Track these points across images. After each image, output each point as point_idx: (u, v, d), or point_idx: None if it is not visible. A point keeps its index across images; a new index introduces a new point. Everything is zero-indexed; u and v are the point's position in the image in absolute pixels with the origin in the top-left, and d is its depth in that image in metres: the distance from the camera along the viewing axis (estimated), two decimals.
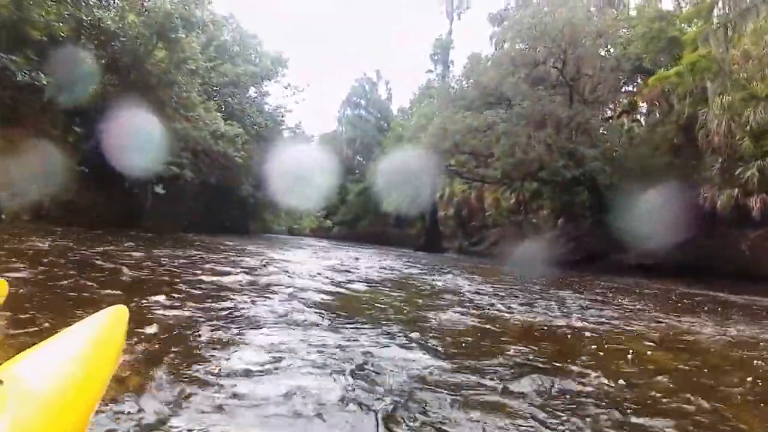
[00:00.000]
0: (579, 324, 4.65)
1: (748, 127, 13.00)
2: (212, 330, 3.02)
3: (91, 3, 12.45)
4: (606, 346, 3.68)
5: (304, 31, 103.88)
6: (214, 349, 2.62)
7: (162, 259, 7.13)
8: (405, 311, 4.76)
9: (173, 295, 4.08)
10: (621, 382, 2.66)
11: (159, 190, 16.14)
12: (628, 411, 2.20)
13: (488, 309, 5.22)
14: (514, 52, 20.51)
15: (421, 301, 5.84)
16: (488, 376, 2.55)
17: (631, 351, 3.57)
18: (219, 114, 18.56)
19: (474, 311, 4.93)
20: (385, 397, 2.11)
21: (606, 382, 2.61)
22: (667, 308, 6.82)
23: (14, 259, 5.15)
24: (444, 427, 1.87)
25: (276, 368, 2.38)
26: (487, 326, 4.21)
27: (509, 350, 3.25)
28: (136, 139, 12.67)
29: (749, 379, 2.96)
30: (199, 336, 2.86)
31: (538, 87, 19.34)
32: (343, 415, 1.88)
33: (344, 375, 2.35)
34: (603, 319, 5.09)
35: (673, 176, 14.33)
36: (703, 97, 14.72)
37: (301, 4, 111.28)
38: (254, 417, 1.79)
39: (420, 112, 31.70)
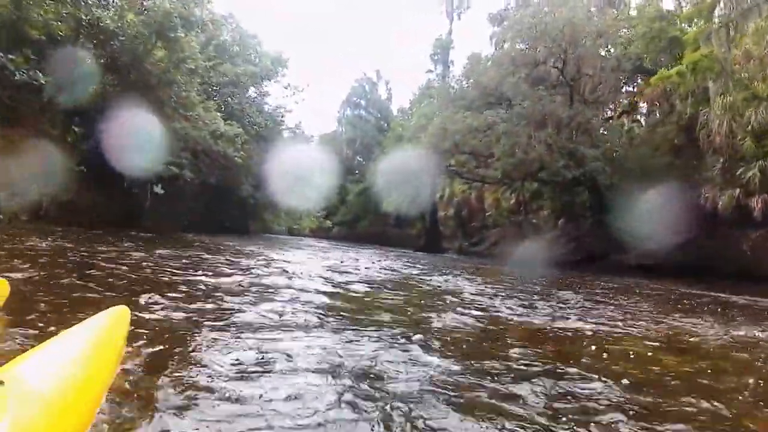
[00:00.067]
0: (580, 325, 4.62)
1: (749, 128, 12.98)
2: (212, 331, 3.01)
3: (90, 2, 12.41)
4: (608, 348, 3.65)
5: (304, 31, 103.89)
6: (214, 351, 2.60)
7: (162, 259, 7.10)
8: (405, 313, 4.73)
9: (173, 296, 4.05)
10: (624, 382, 2.64)
11: (158, 190, 16.11)
12: (632, 413, 2.18)
13: (489, 310, 5.19)
14: (514, 52, 20.51)
15: (421, 302, 5.81)
16: (491, 379, 2.52)
17: (631, 352, 3.56)
18: (219, 114, 18.52)
19: (475, 312, 4.90)
20: (385, 401, 2.09)
21: (609, 384, 2.58)
22: (668, 309, 6.79)
23: (14, 260, 5.12)
24: None
25: (276, 371, 2.36)
26: (489, 328, 4.18)
27: (511, 352, 3.22)
28: (136, 138, 12.63)
29: (752, 380, 2.95)
30: (200, 338, 2.84)
31: (539, 87, 19.34)
32: (344, 419, 1.86)
33: (345, 379, 2.32)
34: (604, 320, 5.06)
35: (673, 176, 14.31)
36: (704, 97, 14.70)
37: (300, 3, 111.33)
38: (255, 420, 1.77)
39: (420, 112, 31.68)
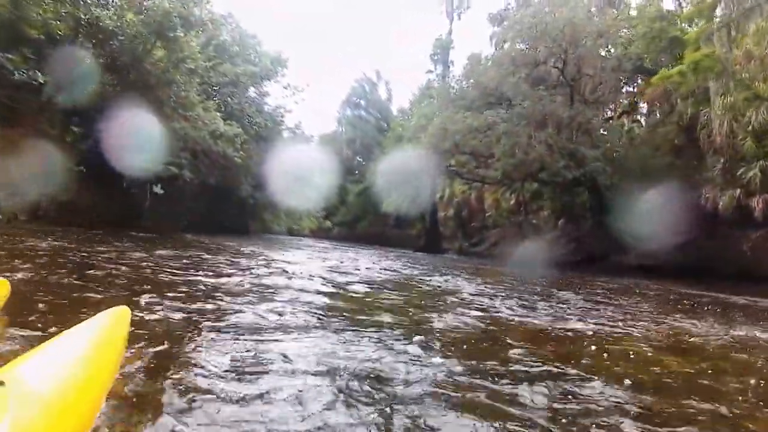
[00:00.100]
0: (581, 326, 4.60)
1: (750, 128, 12.96)
2: (212, 332, 3.00)
3: (89, 2, 12.39)
4: (609, 348, 3.65)
5: (303, 31, 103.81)
6: (214, 352, 2.59)
7: (161, 259, 7.10)
8: (406, 313, 4.70)
9: (173, 296, 4.04)
10: (626, 383, 2.64)
11: (158, 190, 16.06)
12: (633, 414, 2.16)
13: (490, 311, 5.17)
14: (514, 52, 20.48)
15: (421, 303, 5.79)
16: (492, 380, 2.51)
17: (633, 353, 3.56)
18: (218, 114, 18.50)
19: (475, 313, 4.87)
20: (385, 402, 2.07)
21: (610, 385, 2.57)
22: (669, 309, 6.78)
23: (15, 260, 5.12)
24: None
25: (276, 372, 2.35)
26: (489, 329, 4.16)
27: (512, 353, 3.20)
28: (135, 138, 12.61)
29: (753, 381, 2.95)
30: (200, 338, 2.83)
31: (539, 87, 19.32)
32: (344, 422, 1.84)
33: (345, 380, 2.31)
34: (605, 321, 5.04)
35: (674, 177, 14.30)
36: (705, 97, 14.69)
37: (299, 3, 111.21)
38: (254, 422, 1.76)
39: (420, 112, 31.64)
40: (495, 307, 5.48)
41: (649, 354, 3.58)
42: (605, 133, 20.38)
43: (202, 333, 2.95)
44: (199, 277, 5.50)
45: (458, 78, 25.77)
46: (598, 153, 17.86)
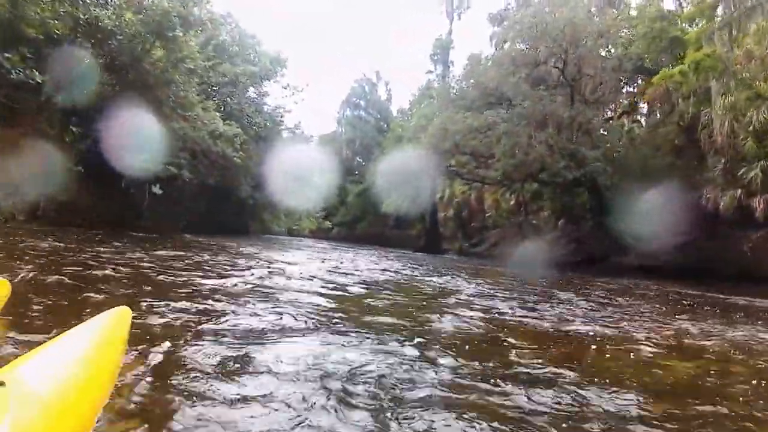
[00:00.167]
0: (583, 328, 4.57)
1: (751, 128, 12.92)
2: (212, 334, 2.98)
3: (88, 1, 12.35)
4: (611, 351, 3.63)
5: (302, 31, 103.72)
6: (214, 353, 2.57)
7: (161, 260, 7.08)
8: (406, 315, 4.67)
9: (173, 297, 4.02)
10: (629, 385, 2.61)
11: (156, 190, 16.02)
12: (637, 418, 2.13)
13: (491, 312, 5.14)
14: (514, 52, 20.45)
15: (422, 304, 5.76)
16: (494, 384, 2.46)
17: (637, 356, 3.54)
18: (217, 114, 18.47)
19: (476, 315, 4.84)
20: (386, 405, 2.04)
21: (613, 389, 2.52)
22: (670, 310, 6.75)
23: (15, 260, 5.14)
24: None
25: (275, 373, 2.32)
26: (491, 331, 4.12)
27: (514, 356, 3.17)
28: (134, 138, 12.57)
29: (755, 382, 2.92)
30: (199, 340, 2.80)
31: (539, 87, 19.30)
32: (345, 424, 1.81)
33: (346, 383, 2.27)
34: (607, 323, 5.00)
35: (674, 177, 14.28)
36: (706, 97, 14.67)
37: (299, 3, 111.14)
38: (253, 424, 1.75)
39: (420, 112, 31.66)
40: (495, 308, 5.44)
41: (651, 356, 3.55)
42: (605, 133, 20.36)
43: (202, 334, 2.94)
44: (198, 278, 5.48)
45: (458, 78, 25.78)
46: (599, 153, 17.83)
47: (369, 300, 5.52)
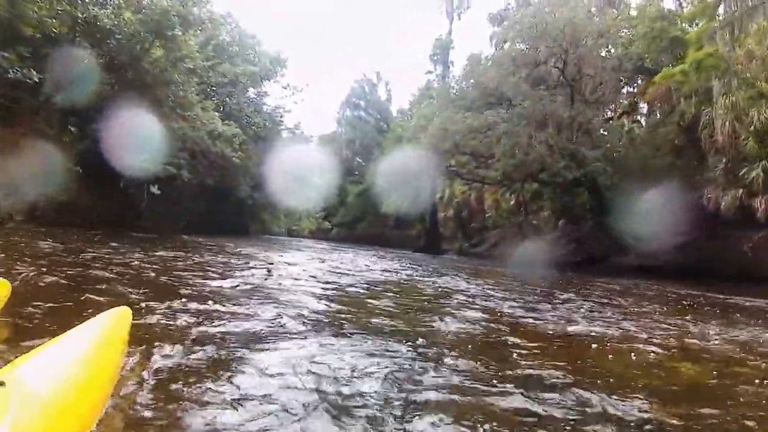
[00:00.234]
0: (584, 328, 4.55)
1: (752, 127, 12.89)
2: (212, 335, 2.97)
3: (87, 0, 12.30)
4: (613, 352, 3.60)
5: (302, 30, 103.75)
6: (214, 353, 2.57)
7: (161, 261, 7.09)
8: (406, 317, 4.65)
9: (172, 297, 3.99)
10: (631, 387, 2.58)
11: (155, 190, 15.98)
12: (640, 421, 2.10)
13: (491, 313, 5.12)
14: (514, 52, 20.41)
15: (422, 305, 5.73)
16: (495, 386, 2.43)
17: (634, 355, 3.53)
18: (217, 114, 18.42)
19: (476, 315, 4.81)
20: (386, 407, 2.00)
21: (615, 391, 2.49)
22: (671, 311, 6.73)
23: (14, 261, 5.11)
24: None
25: (274, 374, 2.31)
26: (491, 332, 4.10)
27: (515, 357, 3.15)
28: (133, 138, 12.54)
29: (757, 382, 2.90)
30: (199, 341, 2.79)
31: (539, 87, 19.27)
32: (345, 427, 1.79)
33: (346, 385, 2.24)
34: (607, 323, 4.97)
35: (674, 177, 14.25)
36: (707, 97, 14.64)
37: (298, 3, 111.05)
38: (251, 426, 1.73)
39: (420, 113, 31.61)
40: (496, 309, 5.42)
41: (654, 358, 3.52)
42: (605, 133, 20.33)
43: (202, 335, 2.92)
44: (198, 279, 5.48)
45: (458, 78, 25.70)
46: (599, 153, 17.80)
47: (369, 301, 5.50)
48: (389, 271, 10.19)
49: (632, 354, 3.52)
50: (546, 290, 8.67)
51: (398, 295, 6.35)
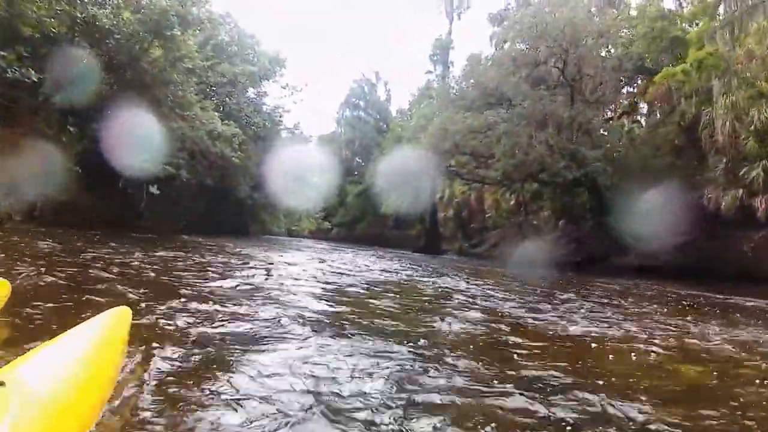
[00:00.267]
0: (584, 329, 4.54)
1: (752, 127, 12.89)
2: (210, 336, 2.96)
3: (86, 0, 12.28)
4: (614, 353, 3.60)
5: (301, 30, 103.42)
6: (214, 353, 2.57)
7: (160, 261, 7.08)
8: (406, 317, 4.65)
9: (172, 298, 3.99)
10: (633, 389, 2.57)
11: (154, 190, 15.93)
12: (642, 423, 2.09)
13: (492, 314, 5.11)
14: (514, 52, 20.41)
15: (422, 305, 5.73)
16: (496, 388, 2.43)
17: (635, 356, 3.52)
18: (216, 114, 18.38)
19: (477, 316, 4.80)
20: (386, 409, 2.00)
21: (616, 392, 2.49)
22: (671, 311, 6.72)
23: (14, 261, 5.11)
24: None
25: (272, 375, 2.30)
26: (492, 333, 4.09)
27: (516, 358, 3.14)
28: (132, 138, 12.50)
29: (759, 381, 2.90)
30: (198, 342, 2.78)
31: (539, 87, 19.26)
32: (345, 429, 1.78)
33: (345, 391, 2.22)
34: (608, 324, 4.96)
35: (674, 177, 14.24)
36: (707, 97, 14.63)
37: (298, 3, 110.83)
38: (250, 427, 1.73)
39: (419, 113, 31.58)
40: (497, 309, 5.41)
41: (655, 358, 3.51)
42: (605, 133, 20.33)
43: (201, 335, 2.92)
44: (198, 279, 5.48)
45: (458, 78, 25.69)
46: (599, 153, 17.79)
47: (369, 301, 5.49)
48: (389, 271, 10.18)
49: (632, 354, 3.52)
50: (546, 290, 8.66)
51: (398, 296, 6.34)
